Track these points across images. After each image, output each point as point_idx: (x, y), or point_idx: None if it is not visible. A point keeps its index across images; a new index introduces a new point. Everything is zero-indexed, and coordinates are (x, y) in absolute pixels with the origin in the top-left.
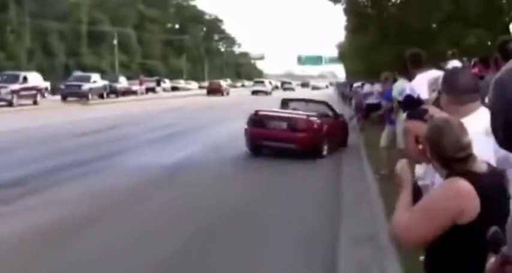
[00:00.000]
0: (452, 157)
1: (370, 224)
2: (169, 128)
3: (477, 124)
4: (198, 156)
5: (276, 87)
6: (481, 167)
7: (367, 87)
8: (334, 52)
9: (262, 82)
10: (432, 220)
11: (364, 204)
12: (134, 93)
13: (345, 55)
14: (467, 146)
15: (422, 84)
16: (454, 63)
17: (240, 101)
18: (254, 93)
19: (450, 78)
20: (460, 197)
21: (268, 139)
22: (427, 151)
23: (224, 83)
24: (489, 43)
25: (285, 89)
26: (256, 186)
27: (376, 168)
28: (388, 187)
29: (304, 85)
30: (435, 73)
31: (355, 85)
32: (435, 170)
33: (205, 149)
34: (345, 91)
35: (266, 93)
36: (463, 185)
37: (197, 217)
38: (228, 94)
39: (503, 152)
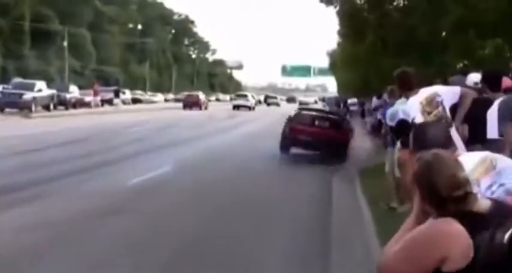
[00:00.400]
0: (448, 197)
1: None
2: (133, 145)
3: None
4: (167, 178)
5: (259, 102)
6: (482, 206)
7: (376, 101)
8: (325, 63)
9: (245, 96)
10: (413, 262)
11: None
12: (87, 105)
13: (336, 65)
14: (465, 183)
15: (415, 106)
16: (474, 77)
17: (224, 116)
18: (236, 107)
19: (418, 133)
20: (445, 243)
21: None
22: (417, 194)
23: (203, 96)
24: (508, 54)
25: (269, 104)
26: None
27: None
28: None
29: (291, 100)
30: (428, 91)
31: (350, 101)
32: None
33: (177, 171)
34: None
35: (249, 108)
36: (452, 228)
37: (154, 251)
38: (206, 108)
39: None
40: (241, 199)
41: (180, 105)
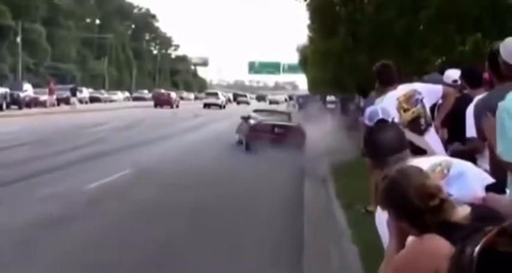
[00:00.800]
0: (424, 208)
1: None
2: (92, 147)
3: None
4: (126, 182)
5: (229, 100)
6: (461, 214)
7: (364, 100)
8: (295, 59)
9: (216, 94)
10: None
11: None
12: (42, 104)
13: (307, 61)
14: (437, 190)
15: (392, 102)
16: (453, 74)
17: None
18: (206, 106)
19: (368, 136)
20: (436, 258)
21: None
22: (391, 216)
23: (174, 94)
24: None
25: (238, 102)
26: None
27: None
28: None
29: (260, 98)
30: (407, 88)
31: (328, 99)
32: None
33: (138, 174)
34: (310, 109)
35: (220, 106)
36: (436, 244)
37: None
38: (177, 106)
39: None
40: (203, 206)
41: (140, 103)
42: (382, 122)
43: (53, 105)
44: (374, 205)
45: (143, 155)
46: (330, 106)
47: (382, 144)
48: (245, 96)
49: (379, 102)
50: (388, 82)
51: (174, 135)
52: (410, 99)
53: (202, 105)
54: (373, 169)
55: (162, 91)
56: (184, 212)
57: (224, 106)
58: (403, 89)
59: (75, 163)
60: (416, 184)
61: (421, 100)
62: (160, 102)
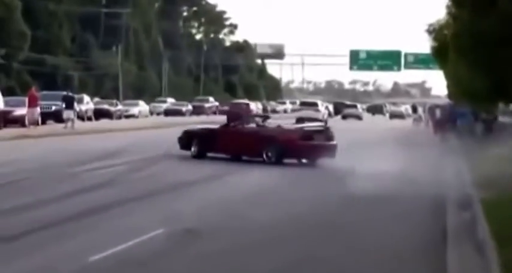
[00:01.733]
0: None
1: None
2: (99, 192)
3: None
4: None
5: (329, 114)
6: None
7: None
8: (423, 47)
9: (315, 104)
10: None
11: None
12: (17, 121)
13: (446, 51)
14: None
15: None
16: None
17: None
18: (300, 121)
19: None
20: None
21: None
22: None
23: (254, 105)
24: None
25: (344, 117)
26: None
27: None
28: None
29: (375, 109)
30: None
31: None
32: None
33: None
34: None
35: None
36: None
37: None
38: None
39: None
40: None
41: (178, 120)
42: None
43: (36, 124)
44: None
45: (182, 205)
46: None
47: None
48: (354, 106)
49: None
50: None
51: (230, 172)
52: None
53: (292, 120)
54: None
55: (238, 101)
56: None
57: (325, 122)
58: None
59: (70, 220)
60: None
61: None
62: (234, 116)
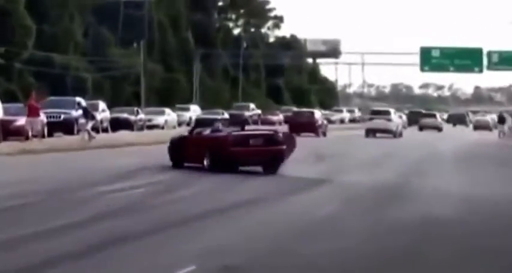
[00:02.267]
0: None
1: None
2: (112, 222)
3: None
4: None
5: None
6: None
7: None
8: (510, 44)
9: (387, 113)
10: None
11: None
12: (17, 133)
13: None
14: None
15: None
16: None
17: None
18: (370, 132)
19: None
20: None
21: None
22: None
23: (319, 114)
24: None
25: (422, 127)
26: None
27: None
28: None
29: (457, 119)
30: None
31: None
32: None
33: None
34: None
35: (393, 134)
36: None
37: None
38: (325, 134)
39: None
40: None
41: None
42: None
43: (42, 136)
44: None
45: (217, 236)
46: None
47: None
48: (433, 115)
49: None
50: None
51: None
52: None
53: (362, 132)
54: None
55: (302, 109)
56: None
57: (400, 134)
58: None
59: (84, 255)
60: None
61: None
62: (298, 126)
